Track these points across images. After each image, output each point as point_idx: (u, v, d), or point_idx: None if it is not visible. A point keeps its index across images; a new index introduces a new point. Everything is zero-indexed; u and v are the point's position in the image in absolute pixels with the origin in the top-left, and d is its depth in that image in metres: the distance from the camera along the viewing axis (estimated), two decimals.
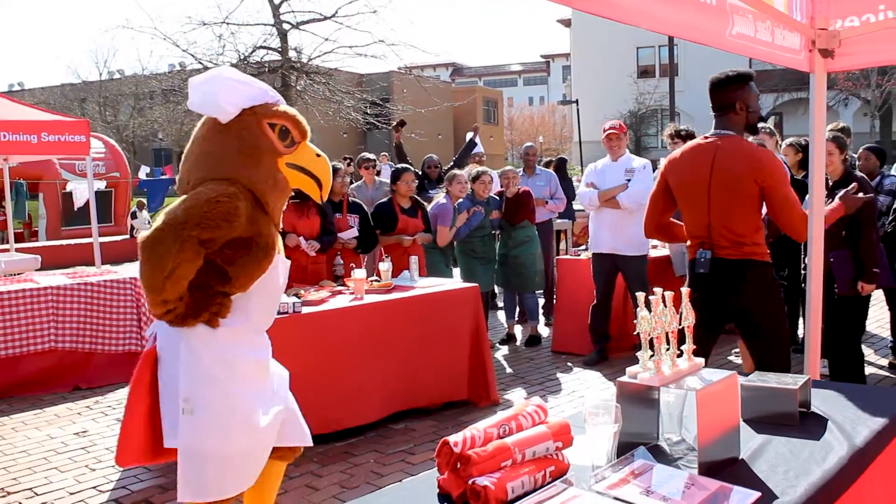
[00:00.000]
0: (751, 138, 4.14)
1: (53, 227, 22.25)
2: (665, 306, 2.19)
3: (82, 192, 20.23)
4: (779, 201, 3.81)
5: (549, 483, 1.98)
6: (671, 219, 4.38)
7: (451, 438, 1.94)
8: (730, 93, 3.93)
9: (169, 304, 2.69)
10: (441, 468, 2.00)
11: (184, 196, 2.78)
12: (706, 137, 4.13)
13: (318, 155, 3.02)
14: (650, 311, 2.15)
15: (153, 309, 2.71)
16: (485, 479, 1.91)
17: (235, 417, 2.84)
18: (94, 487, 4.79)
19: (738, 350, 6.99)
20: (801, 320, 7.36)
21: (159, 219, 2.69)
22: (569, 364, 7.55)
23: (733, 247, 3.96)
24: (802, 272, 5.98)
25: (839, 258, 5.53)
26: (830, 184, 5.72)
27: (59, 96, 44.20)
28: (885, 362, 7.29)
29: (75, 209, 21.12)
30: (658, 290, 2.19)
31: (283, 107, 2.92)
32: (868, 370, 6.77)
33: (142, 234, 2.66)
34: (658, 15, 2.77)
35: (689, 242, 4.17)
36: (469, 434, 1.95)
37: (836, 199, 4.12)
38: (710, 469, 2.05)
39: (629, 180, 7.18)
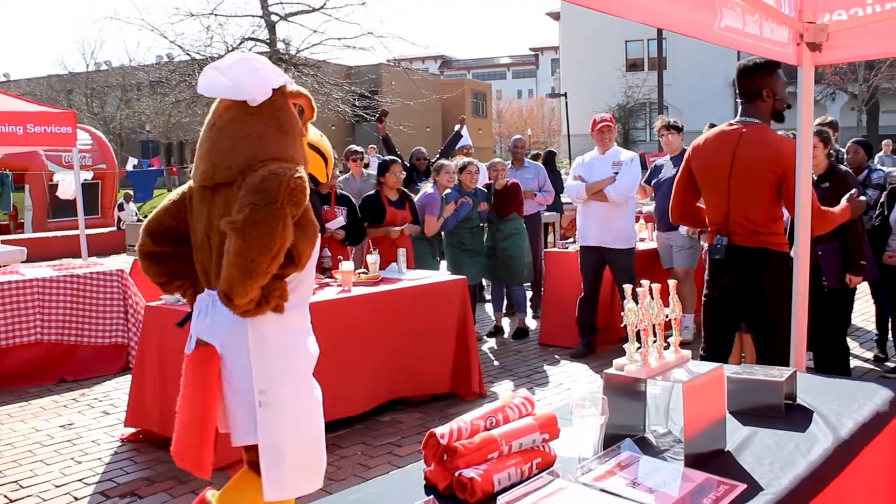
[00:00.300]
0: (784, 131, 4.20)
1: (40, 219, 22.13)
2: (652, 298, 2.20)
3: (68, 183, 20.11)
4: (795, 193, 3.84)
5: (535, 475, 1.98)
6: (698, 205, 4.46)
7: (438, 430, 1.94)
8: (757, 80, 3.95)
9: (258, 291, 2.62)
10: (428, 460, 2.00)
11: (250, 179, 2.64)
12: (731, 124, 4.18)
13: (321, 135, 3.06)
14: (637, 303, 2.15)
15: (243, 298, 2.55)
16: (471, 471, 1.91)
17: (312, 401, 2.84)
18: (80, 480, 4.77)
19: None
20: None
21: (240, 202, 2.57)
22: (556, 357, 7.56)
23: (749, 235, 4.04)
24: None
25: (827, 251, 5.56)
26: (815, 178, 5.74)
27: (46, 87, 43.87)
28: (870, 355, 7.32)
29: (61, 199, 20.99)
30: (645, 282, 2.19)
31: (298, 86, 2.91)
32: (853, 363, 6.81)
33: (228, 221, 2.56)
34: (646, 7, 2.76)
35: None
36: (456, 426, 1.95)
37: (844, 202, 4.16)
38: (697, 461, 2.06)
39: (617, 173, 7.19)
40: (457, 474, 1.91)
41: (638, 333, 2.17)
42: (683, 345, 7.77)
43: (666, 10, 2.75)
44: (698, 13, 2.86)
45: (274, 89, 2.81)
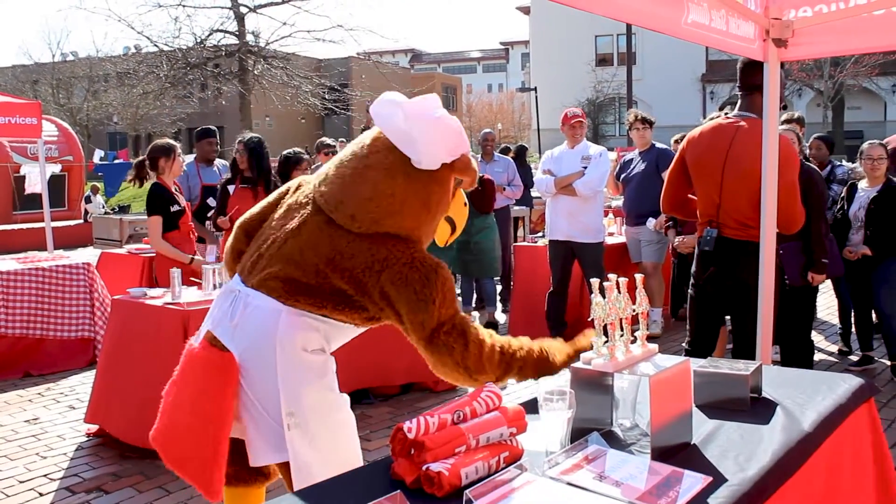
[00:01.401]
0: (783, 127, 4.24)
1: (5, 211, 21.77)
2: (619, 293, 2.21)
3: (36, 176, 19.80)
4: (781, 187, 3.88)
5: (503, 468, 1.99)
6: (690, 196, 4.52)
7: (406, 424, 1.94)
8: (759, 74, 3.98)
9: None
10: (395, 454, 2.00)
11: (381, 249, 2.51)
12: (728, 117, 4.22)
13: (465, 203, 2.88)
14: (604, 297, 2.16)
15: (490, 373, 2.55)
16: (438, 465, 1.91)
17: (341, 419, 2.75)
18: (44, 475, 4.72)
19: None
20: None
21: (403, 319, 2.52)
22: None
23: (739, 228, 4.11)
24: None
25: (788, 250, 5.62)
26: None
27: (11, 78, 43.23)
28: (834, 349, 7.42)
29: (26, 194, 20.68)
30: (612, 276, 2.20)
31: (470, 156, 2.68)
32: (817, 356, 6.90)
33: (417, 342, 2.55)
34: (614, 1, 2.78)
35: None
36: (423, 420, 1.94)
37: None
38: (663, 454, 2.07)
39: (585, 167, 7.22)
40: (424, 468, 1.91)
41: (605, 327, 2.18)
42: (651, 339, 7.85)
43: (633, 5, 2.76)
44: (665, 8, 2.88)
45: (444, 164, 2.60)
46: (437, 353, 2.52)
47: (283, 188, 2.94)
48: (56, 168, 21.03)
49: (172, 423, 2.68)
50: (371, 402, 5.90)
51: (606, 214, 8.50)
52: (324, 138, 9.85)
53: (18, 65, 45.41)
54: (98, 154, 25.59)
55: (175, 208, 6.33)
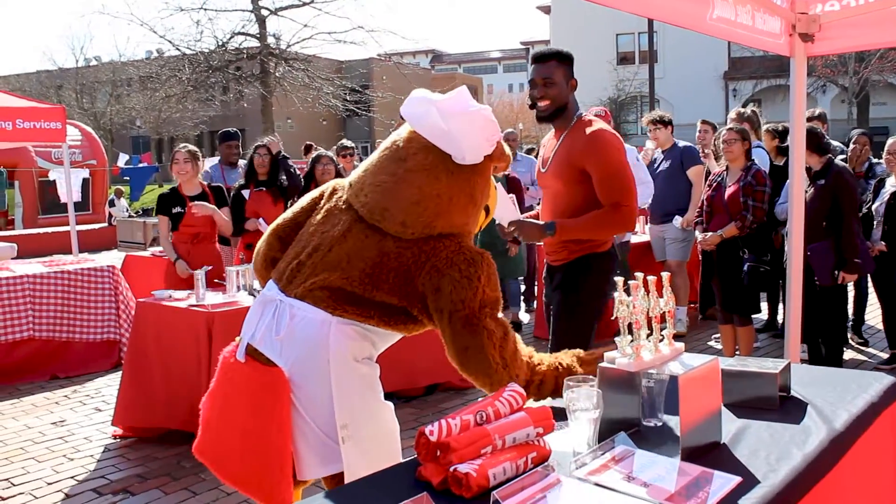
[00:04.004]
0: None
1: (30, 215, 22.00)
2: (647, 291, 2.18)
3: (74, 182, 19.93)
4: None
5: (530, 469, 1.97)
6: None
7: (427, 428, 1.92)
8: None
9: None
10: (421, 458, 1.99)
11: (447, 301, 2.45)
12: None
13: (496, 184, 2.88)
14: (629, 295, 2.14)
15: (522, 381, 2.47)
16: (466, 466, 1.89)
17: (390, 430, 2.74)
18: (72, 477, 4.75)
19: (717, 335, 7.02)
20: (780, 305, 7.40)
21: (444, 329, 2.48)
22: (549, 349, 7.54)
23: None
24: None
25: (817, 250, 5.55)
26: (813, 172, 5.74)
27: (35, 83, 43.65)
28: (867, 350, 7.33)
29: (61, 202, 20.83)
30: (639, 274, 2.18)
31: (502, 142, 2.68)
32: (848, 354, 6.82)
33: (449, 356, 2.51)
34: None
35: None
36: (445, 423, 1.93)
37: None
38: (692, 454, 2.04)
39: None
40: (451, 469, 1.89)
41: (630, 326, 2.16)
42: (677, 337, 7.80)
43: (658, 1, 2.73)
44: (690, 4, 2.85)
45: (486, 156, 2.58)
46: (477, 336, 2.43)
47: (316, 192, 2.88)
48: (85, 173, 21.22)
49: (223, 439, 2.62)
50: (395, 403, 5.88)
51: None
52: (343, 140, 9.84)
53: (43, 70, 45.83)
54: (122, 158, 25.77)
55: (176, 210, 6.40)
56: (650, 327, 2.20)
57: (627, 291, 2.14)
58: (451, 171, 2.53)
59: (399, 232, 2.52)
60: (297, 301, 2.55)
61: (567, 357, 2.59)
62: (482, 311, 2.45)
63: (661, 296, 2.24)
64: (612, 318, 2.16)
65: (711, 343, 7.49)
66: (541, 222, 3.74)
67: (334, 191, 2.80)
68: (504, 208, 3.49)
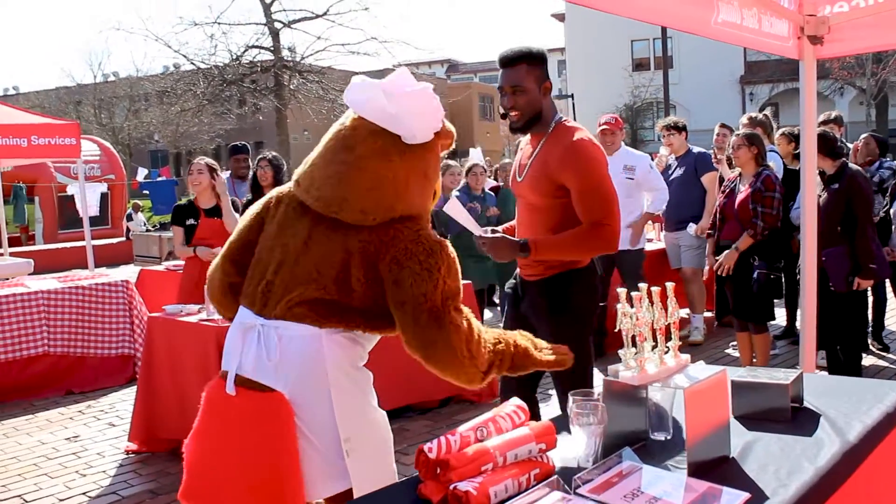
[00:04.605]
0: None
1: (50, 230, 22.17)
2: (651, 302, 2.14)
3: (91, 198, 20.06)
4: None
5: (533, 486, 1.92)
6: None
7: (426, 445, 1.89)
8: None
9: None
10: (422, 475, 1.95)
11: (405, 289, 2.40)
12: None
13: (440, 165, 2.79)
14: (633, 306, 2.09)
15: (481, 376, 2.44)
16: (466, 484, 1.85)
17: (385, 437, 2.67)
18: (84, 493, 4.74)
19: (735, 343, 6.93)
20: (799, 312, 7.31)
21: (403, 316, 2.40)
22: None
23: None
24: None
25: (832, 256, 5.47)
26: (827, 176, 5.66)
27: (55, 99, 44.07)
28: (888, 356, 7.22)
29: (80, 216, 20.97)
30: (643, 285, 2.13)
31: (448, 122, 2.63)
32: (868, 360, 6.72)
33: (407, 346, 2.44)
34: (642, 3, 2.72)
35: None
36: (444, 439, 1.89)
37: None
38: (699, 469, 1.99)
39: (630, 178, 7.12)
40: (451, 488, 1.86)
41: (634, 338, 2.11)
42: (694, 346, 7.72)
43: (661, 6, 2.69)
44: (694, 8, 2.81)
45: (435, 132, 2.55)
46: (443, 330, 2.38)
47: (257, 207, 2.75)
48: (103, 187, 21.36)
49: (221, 480, 2.49)
50: (410, 416, 5.85)
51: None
52: None
53: (62, 87, 46.24)
54: (142, 172, 25.94)
55: (189, 222, 6.40)
56: (654, 339, 2.14)
57: (630, 302, 2.09)
58: (402, 152, 2.49)
59: (360, 220, 2.46)
60: (280, 321, 2.48)
61: (523, 339, 2.59)
62: (445, 304, 2.41)
63: (665, 307, 2.19)
64: (616, 329, 2.11)
65: (729, 351, 7.41)
66: (514, 238, 3.41)
67: (279, 200, 2.68)
68: (464, 222, 3.29)
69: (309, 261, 2.48)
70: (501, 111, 3.49)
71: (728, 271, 5.80)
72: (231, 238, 2.76)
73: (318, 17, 28.93)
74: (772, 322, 6.48)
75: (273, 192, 2.73)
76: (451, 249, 2.48)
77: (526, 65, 3.37)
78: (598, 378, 2.26)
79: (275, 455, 2.41)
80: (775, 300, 6.18)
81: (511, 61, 3.38)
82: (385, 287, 2.45)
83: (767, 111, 7.81)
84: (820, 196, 5.59)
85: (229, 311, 2.75)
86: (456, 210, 3.24)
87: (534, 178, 3.46)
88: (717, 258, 6.02)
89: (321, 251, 2.48)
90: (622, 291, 2.11)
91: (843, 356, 5.81)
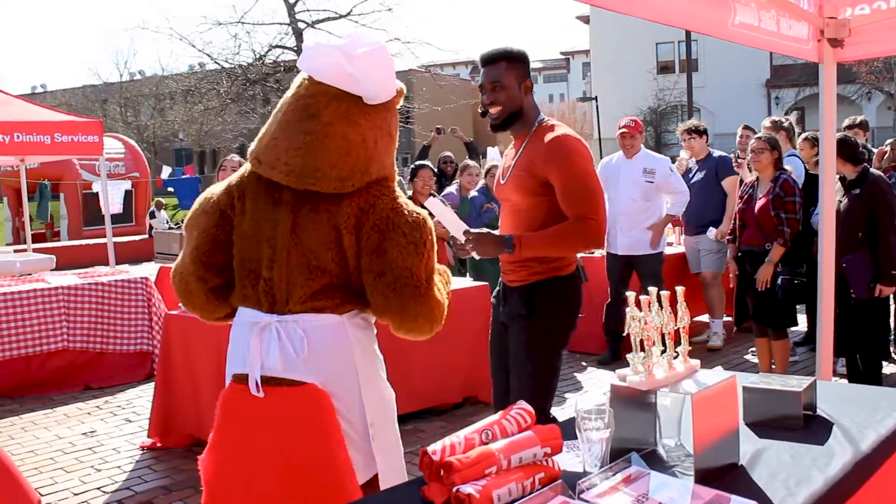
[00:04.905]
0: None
1: (75, 227, 22.39)
2: (660, 306, 2.11)
3: (113, 195, 20.23)
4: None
5: (538, 490, 1.91)
6: None
7: (431, 447, 1.87)
8: None
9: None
10: (426, 477, 1.94)
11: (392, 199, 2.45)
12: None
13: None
14: (641, 310, 2.07)
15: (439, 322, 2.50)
16: (469, 487, 1.84)
17: (395, 421, 2.68)
18: (98, 488, 4.76)
19: (754, 349, 6.87)
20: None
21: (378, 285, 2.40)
22: (583, 363, 7.46)
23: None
24: None
25: (852, 262, 5.40)
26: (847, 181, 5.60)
27: (81, 97, 44.48)
28: None
29: (96, 208, 21.19)
30: (653, 289, 2.11)
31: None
32: (889, 369, 6.63)
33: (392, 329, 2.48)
34: (659, 5, 2.69)
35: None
36: (448, 442, 1.88)
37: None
38: (707, 476, 1.97)
39: (650, 181, 7.08)
40: (454, 490, 1.84)
41: (642, 343, 2.08)
42: (713, 351, 7.65)
43: (677, 8, 2.67)
44: (711, 10, 2.77)
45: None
46: (427, 307, 2.43)
47: (217, 203, 2.59)
48: (127, 184, 21.55)
49: (258, 489, 2.42)
50: (425, 416, 5.84)
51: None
52: None
53: (88, 85, 46.65)
54: (166, 170, 26.13)
55: None
56: (663, 344, 2.12)
57: (639, 306, 2.06)
58: (366, 114, 2.46)
59: (338, 188, 2.41)
60: (299, 315, 2.43)
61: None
62: (429, 280, 2.44)
63: (675, 311, 2.16)
64: (624, 333, 2.08)
65: (748, 357, 7.34)
66: (499, 234, 3.35)
67: (241, 192, 2.56)
68: (448, 222, 3.24)
69: (302, 249, 2.44)
70: (481, 109, 3.48)
71: (766, 285, 5.71)
72: (196, 241, 2.60)
73: (341, 17, 29.08)
74: (793, 328, 6.42)
75: (230, 183, 2.60)
76: (431, 223, 2.50)
77: (505, 62, 3.40)
78: (607, 382, 2.23)
79: (325, 448, 2.37)
80: (797, 306, 6.12)
81: (491, 59, 3.42)
82: (360, 254, 2.42)
83: (793, 115, 7.72)
84: (841, 202, 5.52)
85: (214, 314, 2.68)
86: (438, 208, 3.22)
87: (518, 178, 3.43)
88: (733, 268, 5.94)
89: (311, 236, 2.43)
90: (631, 295, 2.08)
91: (862, 364, 5.73)
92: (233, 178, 2.62)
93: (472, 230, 3.28)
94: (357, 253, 2.43)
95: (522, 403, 2.07)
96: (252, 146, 2.58)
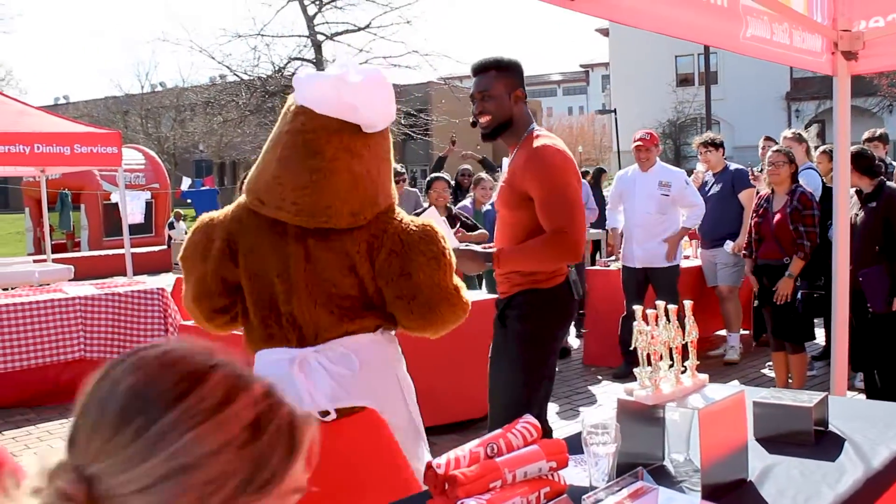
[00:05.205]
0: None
1: (95, 237, 22.60)
2: (668, 320, 2.10)
3: (134, 206, 20.38)
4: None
5: None
6: None
7: (436, 461, 1.86)
8: None
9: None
10: (431, 491, 1.93)
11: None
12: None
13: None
14: (649, 324, 2.05)
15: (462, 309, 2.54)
16: (473, 501, 1.83)
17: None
18: None
19: (771, 363, 6.81)
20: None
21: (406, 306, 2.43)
22: (598, 377, 7.42)
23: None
24: None
25: (869, 276, 5.36)
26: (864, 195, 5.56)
27: (103, 109, 44.83)
28: None
29: (116, 218, 21.38)
30: (660, 303, 2.09)
31: None
32: None
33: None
34: (670, 18, 2.68)
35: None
36: (453, 455, 1.87)
37: None
38: (715, 492, 1.95)
39: (665, 194, 7.05)
40: None
41: (649, 357, 2.07)
42: (729, 365, 7.59)
43: (689, 21, 2.66)
44: (722, 23, 2.76)
45: None
46: (456, 313, 2.49)
47: (217, 242, 2.50)
48: (147, 195, 21.74)
49: None
50: (438, 429, 5.81)
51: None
52: (394, 165, 9.84)
53: (110, 96, 47.03)
54: (186, 182, 26.32)
55: None
56: (671, 358, 2.10)
57: (646, 320, 2.05)
58: (367, 145, 2.43)
59: (352, 223, 2.39)
60: (335, 341, 2.42)
61: None
62: (457, 286, 2.49)
63: (682, 325, 2.15)
64: (632, 348, 2.07)
65: (765, 371, 7.28)
66: (480, 250, 3.34)
67: (243, 227, 2.49)
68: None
69: (318, 279, 2.41)
70: (471, 120, 3.44)
71: (787, 299, 5.67)
72: (197, 276, 2.53)
73: (360, 30, 29.20)
74: (810, 342, 6.37)
75: (226, 218, 2.54)
76: (437, 228, 2.54)
77: (495, 71, 3.36)
78: (614, 396, 2.20)
79: (394, 471, 2.36)
80: (815, 319, 6.08)
81: (481, 68, 3.39)
82: (381, 279, 2.43)
83: (813, 128, 7.67)
84: (857, 215, 5.48)
85: (221, 330, 2.63)
86: (434, 221, 3.22)
87: (503, 191, 3.41)
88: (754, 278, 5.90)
89: (326, 266, 2.41)
90: (638, 309, 2.07)
91: (879, 379, 5.67)
92: (227, 214, 2.55)
93: (457, 247, 3.24)
94: (374, 278, 2.44)
95: (528, 417, 2.06)
96: (248, 183, 2.52)
